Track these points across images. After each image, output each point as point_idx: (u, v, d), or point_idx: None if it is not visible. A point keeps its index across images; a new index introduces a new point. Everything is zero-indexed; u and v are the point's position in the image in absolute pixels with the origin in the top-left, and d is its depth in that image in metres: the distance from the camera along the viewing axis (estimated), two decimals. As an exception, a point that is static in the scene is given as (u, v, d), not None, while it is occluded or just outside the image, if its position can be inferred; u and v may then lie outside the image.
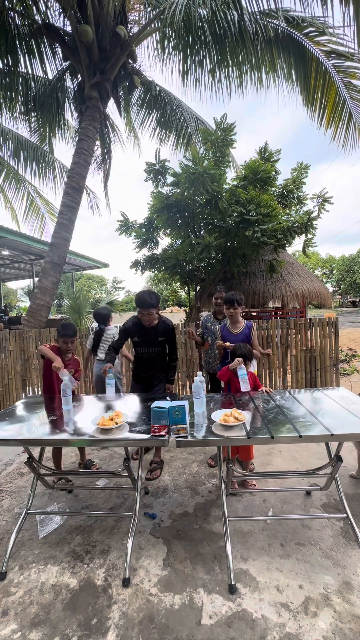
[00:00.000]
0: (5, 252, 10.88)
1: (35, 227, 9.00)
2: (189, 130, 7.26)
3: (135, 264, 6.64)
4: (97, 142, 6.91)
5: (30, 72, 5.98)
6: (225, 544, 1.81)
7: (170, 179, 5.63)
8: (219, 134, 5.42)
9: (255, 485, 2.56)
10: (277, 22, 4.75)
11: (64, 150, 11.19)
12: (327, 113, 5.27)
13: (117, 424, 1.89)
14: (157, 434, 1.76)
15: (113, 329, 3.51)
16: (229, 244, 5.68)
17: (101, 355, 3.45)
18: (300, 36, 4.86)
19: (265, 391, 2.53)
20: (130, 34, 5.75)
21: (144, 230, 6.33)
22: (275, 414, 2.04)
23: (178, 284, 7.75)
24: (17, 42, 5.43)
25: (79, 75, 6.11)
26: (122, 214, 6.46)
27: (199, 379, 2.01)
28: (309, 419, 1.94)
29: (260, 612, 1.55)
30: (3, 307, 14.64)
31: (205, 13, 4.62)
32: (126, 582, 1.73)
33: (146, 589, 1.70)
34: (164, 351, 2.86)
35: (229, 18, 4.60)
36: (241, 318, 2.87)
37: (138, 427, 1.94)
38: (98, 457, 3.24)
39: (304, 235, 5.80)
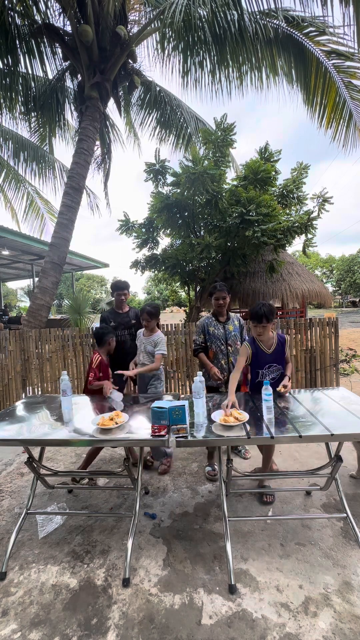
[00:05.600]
0: (5, 252, 10.89)
1: (35, 227, 9.01)
2: (189, 130, 7.25)
3: (135, 264, 6.63)
4: (97, 142, 6.91)
5: (30, 72, 5.97)
6: (225, 544, 1.81)
7: (170, 179, 5.62)
8: (219, 134, 5.41)
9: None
10: (277, 22, 4.73)
11: (64, 150, 11.19)
12: (328, 113, 5.26)
13: (117, 424, 1.89)
14: (157, 434, 1.76)
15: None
16: (229, 244, 5.67)
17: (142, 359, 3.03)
18: (301, 36, 4.85)
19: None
20: (130, 34, 5.75)
21: (144, 230, 6.32)
22: (275, 414, 2.03)
23: (178, 284, 7.73)
24: (17, 42, 5.42)
25: (79, 75, 6.11)
26: (124, 214, 6.46)
27: (199, 379, 2.01)
28: (309, 419, 1.94)
29: (260, 612, 1.55)
30: (3, 307, 14.65)
31: (205, 13, 4.61)
32: (126, 582, 1.73)
33: (146, 589, 1.70)
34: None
35: (229, 18, 4.59)
36: (271, 332, 2.41)
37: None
38: (98, 457, 3.23)
39: (304, 235, 5.79)
